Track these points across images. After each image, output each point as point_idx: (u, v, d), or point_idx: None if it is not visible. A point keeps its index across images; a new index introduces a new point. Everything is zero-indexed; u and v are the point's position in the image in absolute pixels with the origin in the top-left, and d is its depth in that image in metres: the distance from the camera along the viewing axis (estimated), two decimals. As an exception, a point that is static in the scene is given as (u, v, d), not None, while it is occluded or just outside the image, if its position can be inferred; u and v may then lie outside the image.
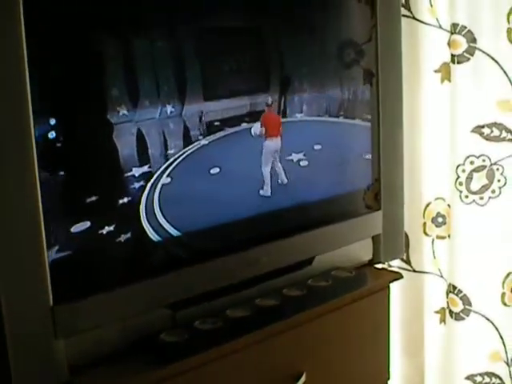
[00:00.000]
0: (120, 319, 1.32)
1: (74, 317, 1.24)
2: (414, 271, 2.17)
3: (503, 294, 2.14)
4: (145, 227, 1.34)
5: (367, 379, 1.73)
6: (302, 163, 1.61)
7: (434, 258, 2.16)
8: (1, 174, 1.12)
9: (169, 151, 1.37)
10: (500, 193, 2.08)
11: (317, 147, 1.65)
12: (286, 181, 1.57)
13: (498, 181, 2.07)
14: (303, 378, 1.52)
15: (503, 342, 2.18)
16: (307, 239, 1.63)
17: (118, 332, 1.32)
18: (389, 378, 1.79)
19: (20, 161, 1.14)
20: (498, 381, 2.21)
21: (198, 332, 1.37)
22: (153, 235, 1.36)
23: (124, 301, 1.31)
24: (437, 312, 2.20)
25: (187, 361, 1.32)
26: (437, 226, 2.14)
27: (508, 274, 2.13)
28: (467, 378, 2.19)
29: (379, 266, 1.84)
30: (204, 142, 1.42)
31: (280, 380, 1.50)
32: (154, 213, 1.36)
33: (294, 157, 1.60)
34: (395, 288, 1.93)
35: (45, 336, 1.21)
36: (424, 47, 2.03)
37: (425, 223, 2.14)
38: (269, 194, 1.54)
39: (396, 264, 2.14)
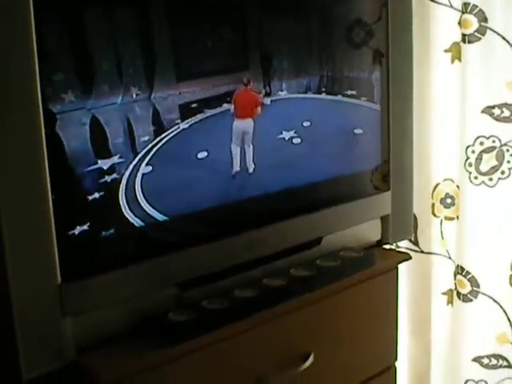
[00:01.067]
0: (127, 298, 1.31)
1: (81, 295, 1.23)
2: (422, 252, 2.17)
3: (511, 276, 2.14)
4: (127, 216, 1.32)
5: (375, 360, 1.73)
6: (300, 142, 1.60)
7: (443, 239, 2.15)
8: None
9: (142, 139, 1.30)
10: (509, 174, 2.07)
11: (321, 128, 1.64)
12: (252, 166, 1.51)
13: (508, 162, 2.06)
14: (311, 359, 1.52)
15: (510, 324, 2.18)
16: (315, 219, 1.62)
17: (125, 311, 1.32)
18: (396, 359, 1.78)
19: None
20: (504, 363, 2.21)
21: (205, 312, 1.36)
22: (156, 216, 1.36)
23: (132, 280, 1.31)
24: (444, 293, 2.20)
25: (195, 340, 1.31)
26: (445, 207, 2.13)
27: (516, 256, 2.13)
28: (474, 359, 2.19)
29: (387, 246, 1.83)
30: (184, 125, 1.35)
31: (288, 360, 1.50)
32: (138, 200, 1.33)
33: (288, 135, 1.58)
34: (403, 269, 1.92)
35: (52, 314, 1.20)
36: (434, 26, 2.01)
37: (433, 204, 2.13)
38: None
39: (404, 245, 2.14)
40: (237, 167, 1.47)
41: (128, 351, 1.28)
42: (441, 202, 2.12)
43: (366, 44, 1.73)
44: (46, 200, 1.17)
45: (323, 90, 1.63)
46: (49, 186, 1.16)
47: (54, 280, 1.20)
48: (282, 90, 1.54)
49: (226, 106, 1.43)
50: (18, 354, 1.17)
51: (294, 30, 1.57)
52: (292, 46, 1.56)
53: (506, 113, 2.01)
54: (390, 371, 1.77)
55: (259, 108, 1.50)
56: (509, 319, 2.17)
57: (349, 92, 1.69)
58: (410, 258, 1.76)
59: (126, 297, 1.31)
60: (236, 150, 1.47)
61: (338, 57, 1.68)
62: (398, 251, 1.90)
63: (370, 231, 1.78)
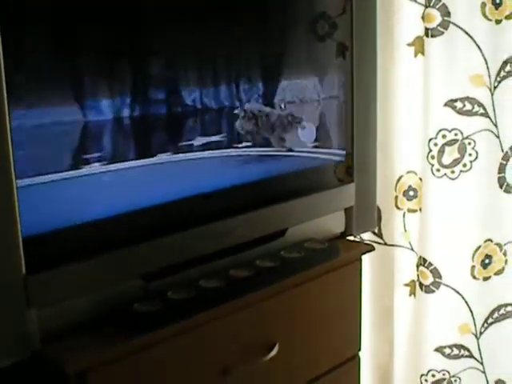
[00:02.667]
0: (93, 289, 1.31)
1: (46, 286, 1.23)
2: (386, 244, 2.18)
3: (473, 267, 2.17)
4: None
5: (339, 350, 1.74)
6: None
7: (405, 231, 2.17)
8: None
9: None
10: (471, 167, 2.10)
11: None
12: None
13: (470, 155, 2.08)
14: (276, 349, 1.53)
15: (472, 315, 2.21)
16: (279, 211, 1.63)
17: (90, 302, 1.32)
18: (360, 349, 1.80)
19: None
20: (466, 353, 2.24)
21: (171, 302, 1.37)
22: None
23: (96, 271, 1.31)
24: (406, 285, 2.22)
25: (161, 331, 1.32)
26: (408, 200, 2.15)
27: (478, 248, 2.15)
28: (436, 349, 2.22)
29: (351, 238, 1.85)
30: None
31: (253, 351, 1.51)
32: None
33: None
34: (366, 261, 1.94)
35: (17, 305, 1.20)
36: (398, 20, 2.02)
37: (396, 196, 2.15)
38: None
39: (367, 237, 2.16)
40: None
41: (93, 342, 1.28)
42: (404, 195, 2.14)
43: (330, 37, 1.74)
44: (11, 192, 1.16)
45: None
46: (13, 177, 1.16)
47: (18, 271, 1.19)
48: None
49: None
50: (-19, 344, 1.17)
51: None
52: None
53: (468, 106, 2.04)
54: (354, 361, 1.79)
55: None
56: (470, 310, 2.20)
57: (312, 85, 1.70)
58: (373, 249, 1.78)
59: (91, 288, 1.31)
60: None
61: (301, 49, 1.69)
62: (362, 242, 1.93)
63: (334, 223, 1.80)
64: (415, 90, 2.07)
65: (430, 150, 2.06)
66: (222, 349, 1.46)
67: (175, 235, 1.42)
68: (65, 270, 1.26)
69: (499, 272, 2.20)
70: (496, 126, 2.07)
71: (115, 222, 1.35)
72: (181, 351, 1.38)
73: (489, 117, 2.06)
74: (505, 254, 2.19)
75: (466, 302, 2.19)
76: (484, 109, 2.05)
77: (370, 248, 1.78)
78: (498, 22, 2.00)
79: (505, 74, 2.04)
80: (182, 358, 1.38)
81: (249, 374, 1.51)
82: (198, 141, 1.48)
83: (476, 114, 2.05)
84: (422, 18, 2.01)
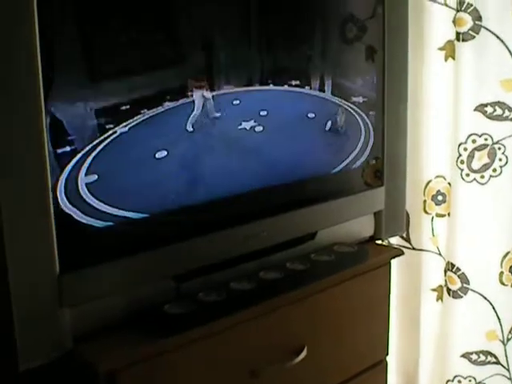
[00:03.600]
0: (125, 289, 1.32)
1: (79, 285, 1.24)
2: (413, 249, 2.17)
3: (501, 273, 2.15)
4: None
5: (367, 354, 1.74)
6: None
7: (433, 235, 2.16)
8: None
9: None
10: (501, 172, 2.08)
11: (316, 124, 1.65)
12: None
13: (500, 160, 2.07)
14: (304, 352, 1.53)
15: (499, 321, 2.19)
16: (310, 213, 1.63)
17: (122, 303, 1.32)
18: (387, 354, 1.80)
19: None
20: (493, 359, 2.22)
21: (202, 304, 1.37)
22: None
23: (129, 271, 1.31)
24: (434, 290, 2.21)
25: (191, 332, 1.32)
26: (437, 204, 2.13)
27: (506, 254, 2.13)
28: (463, 355, 2.20)
29: (379, 242, 1.84)
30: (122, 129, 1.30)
31: (281, 353, 1.51)
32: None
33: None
34: (393, 265, 1.93)
35: (50, 304, 1.21)
36: (429, 24, 2.01)
37: (425, 201, 2.14)
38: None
39: (395, 241, 2.15)
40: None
41: (124, 343, 1.28)
42: (432, 199, 2.13)
43: (359, 40, 1.74)
44: (46, 191, 1.17)
45: (315, 86, 1.63)
46: (49, 175, 1.17)
47: (52, 270, 1.20)
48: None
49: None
50: (15, 344, 1.18)
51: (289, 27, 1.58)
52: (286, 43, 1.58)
53: (499, 111, 2.02)
54: (381, 365, 1.79)
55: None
56: (498, 316, 2.18)
57: (341, 89, 1.70)
58: (402, 253, 1.77)
59: (123, 288, 1.31)
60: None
61: (332, 53, 1.69)
62: (391, 247, 1.92)
63: (363, 227, 1.79)
64: (445, 95, 2.06)
65: (460, 155, 2.04)
66: (250, 351, 1.46)
67: (207, 237, 1.42)
68: (97, 270, 1.27)
69: (528, 279, 2.18)
70: (526, 130, 2.06)
71: (148, 223, 1.35)
72: (210, 353, 1.38)
73: (519, 122, 2.05)
74: (534, 261, 2.17)
75: (494, 308, 2.17)
76: (514, 114, 2.04)
77: (399, 252, 1.78)
78: (530, 26, 1.99)
79: (536, 78, 2.03)
80: (212, 359, 1.39)
81: (276, 377, 1.51)
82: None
83: (506, 118, 2.03)
84: (453, 22, 1.99)
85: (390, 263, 1.74)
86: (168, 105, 1.35)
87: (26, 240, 1.16)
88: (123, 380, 1.25)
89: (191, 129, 1.40)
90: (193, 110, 1.40)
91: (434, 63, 2.04)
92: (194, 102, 1.40)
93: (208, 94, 1.42)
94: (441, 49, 2.03)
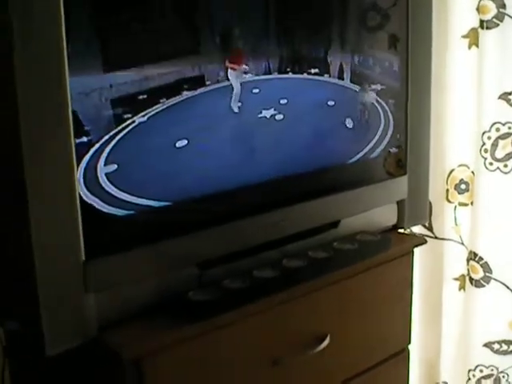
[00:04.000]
0: (149, 276, 1.33)
1: (104, 272, 1.25)
2: (436, 238, 2.17)
3: (524, 262, 2.14)
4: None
5: (389, 343, 1.74)
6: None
7: (456, 224, 2.16)
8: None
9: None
10: (525, 161, 2.07)
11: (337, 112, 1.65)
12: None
13: (524, 148, 2.06)
14: (327, 340, 1.53)
15: (522, 310, 2.19)
16: (332, 202, 1.63)
17: (146, 289, 1.33)
18: (410, 342, 1.79)
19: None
20: (515, 349, 2.22)
21: (226, 291, 1.37)
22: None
23: (153, 258, 1.32)
24: (456, 279, 2.20)
25: (215, 319, 1.33)
26: (459, 193, 2.13)
27: (530, 243, 2.13)
28: (485, 345, 2.20)
29: (402, 231, 1.84)
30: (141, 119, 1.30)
31: (305, 341, 1.51)
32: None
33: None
34: (415, 254, 1.92)
35: (75, 291, 1.22)
36: (453, 12, 2.00)
37: (448, 190, 2.13)
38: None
39: (418, 230, 2.14)
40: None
41: (149, 329, 1.29)
42: (455, 188, 2.12)
43: (382, 28, 1.73)
44: (72, 177, 1.18)
45: (336, 74, 1.63)
46: (75, 160, 1.18)
47: (78, 257, 1.21)
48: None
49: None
50: (41, 330, 1.19)
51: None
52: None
53: (523, 99, 2.01)
54: (403, 354, 1.79)
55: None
56: (520, 305, 2.17)
57: (362, 77, 1.69)
58: (425, 242, 1.77)
59: (147, 275, 1.32)
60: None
61: (354, 41, 1.68)
62: (414, 235, 1.91)
63: (386, 215, 1.79)
64: (469, 83, 2.04)
65: (484, 144, 2.03)
66: (274, 339, 1.46)
67: (230, 224, 1.43)
68: (122, 256, 1.27)
69: (551, 268, 2.17)
70: (551, 119, 2.04)
71: (171, 211, 1.36)
72: (233, 340, 1.39)
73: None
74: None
75: (516, 297, 2.17)
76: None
77: (421, 241, 1.77)
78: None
79: (560, 67, 2.01)
80: (235, 346, 1.39)
81: (299, 365, 1.51)
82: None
83: (530, 107, 2.02)
84: (477, 9, 1.98)
85: (412, 252, 1.74)
86: (186, 94, 1.35)
87: (52, 227, 1.17)
88: (148, 367, 1.26)
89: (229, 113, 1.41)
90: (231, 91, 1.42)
91: (458, 51, 2.03)
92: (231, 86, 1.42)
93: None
94: (464, 36, 2.01)
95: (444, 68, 2.04)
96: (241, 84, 1.43)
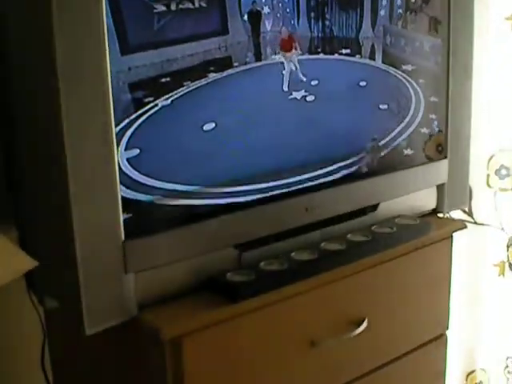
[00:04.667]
0: (187, 257, 1.33)
1: (143, 252, 1.26)
2: (476, 223, 2.15)
3: None
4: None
5: (427, 327, 1.73)
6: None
7: (496, 210, 2.13)
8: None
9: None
10: None
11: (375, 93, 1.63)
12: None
13: None
14: (365, 323, 1.53)
15: (562, 298, 2.16)
16: (372, 185, 1.62)
17: (185, 270, 1.33)
18: (448, 328, 1.78)
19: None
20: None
21: (263, 272, 1.38)
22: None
23: (191, 239, 1.32)
24: (496, 265, 2.18)
25: (254, 300, 1.33)
26: (500, 179, 2.10)
27: None
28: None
29: (441, 215, 1.82)
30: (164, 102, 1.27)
31: (342, 324, 1.51)
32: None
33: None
34: (455, 240, 1.91)
35: (115, 271, 1.23)
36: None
37: (488, 175, 2.11)
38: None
39: (457, 216, 2.12)
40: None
41: (187, 310, 1.29)
42: (496, 173, 2.10)
43: (422, 10, 1.70)
44: (112, 159, 1.18)
45: (375, 56, 1.62)
46: (115, 146, 1.18)
47: (117, 237, 1.22)
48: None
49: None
50: (80, 308, 1.20)
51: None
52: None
53: None
54: (441, 339, 1.77)
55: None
56: (561, 292, 2.15)
57: (404, 61, 1.67)
58: (465, 226, 1.75)
59: (185, 256, 1.32)
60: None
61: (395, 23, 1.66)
62: (454, 220, 1.89)
63: (426, 200, 1.77)
64: (510, 65, 2.01)
65: (525, 129, 2.01)
66: (311, 321, 1.46)
67: (268, 206, 1.43)
68: (161, 237, 1.28)
69: None
70: None
71: (211, 192, 1.36)
72: (272, 321, 1.39)
73: None
74: None
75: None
76: None
77: (461, 226, 1.75)
78: None
79: None
80: (272, 327, 1.39)
81: (337, 347, 1.51)
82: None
83: None
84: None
85: (452, 237, 1.72)
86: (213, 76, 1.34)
87: (92, 207, 1.18)
88: (187, 347, 1.26)
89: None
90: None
91: (501, 33, 2.00)
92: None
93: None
94: (508, 18, 1.98)
95: (486, 50, 2.01)
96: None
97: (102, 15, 1.13)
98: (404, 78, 1.67)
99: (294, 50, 1.44)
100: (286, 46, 1.43)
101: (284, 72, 1.43)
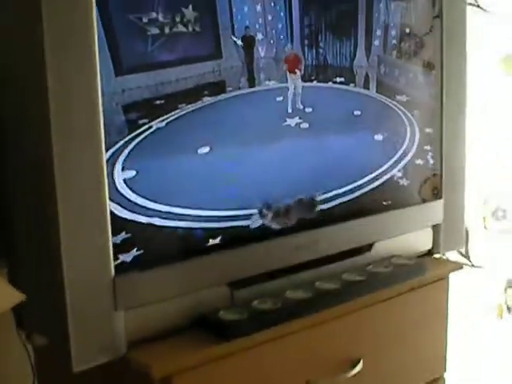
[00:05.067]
0: (179, 295, 1.31)
1: (134, 289, 1.24)
2: (473, 266, 2.13)
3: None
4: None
5: (424, 370, 1.70)
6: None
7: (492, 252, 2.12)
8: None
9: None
10: None
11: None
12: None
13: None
14: (360, 364, 1.50)
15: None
16: (367, 225, 1.61)
17: (176, 308, 1.31)
18: (445, 370, 1.75)
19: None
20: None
21: (256, 311, 1.35)
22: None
23: (183, 276, 1.31)
24: (492, 308, 2.16)
25: (246, 339, 1.31)
26: (497, 220, 2.09)
27: None
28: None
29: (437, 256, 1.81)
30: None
31: (337, 365, 1.48)
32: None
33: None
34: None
35: (105, 307, 1.20)
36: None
37: (484, 217, 2.10)
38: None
39: (453, 257, 2.11)
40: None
41: (178, 348, 1.27)
42: (492, 215, 2.09)
43: (416, 55, 1.71)
44: (102, 194, 1.17)
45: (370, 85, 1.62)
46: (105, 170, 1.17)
47: (108, 273, 1.20)
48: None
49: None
50: (69, 346, 1.17)
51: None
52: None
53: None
54: (439, 382, 1.74)
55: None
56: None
57: (399, 105, 1.67)
58: (461, 267, 1.74)
59: (177, 293, 1.30)
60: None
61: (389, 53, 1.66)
62: (450, 261, 1.87)
63: (421, 240, 1.76)
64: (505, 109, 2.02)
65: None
66: (306, 361, 1.43)
67: (261, 244, 1.41)
68: (152, 274, 1.26)
69: None
70: None
71: (199, 230, 1.34)
72: (264, 361, 1.36)
73: None
74: None
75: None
76: None
77: (457, 266, 1.74)
78: None
79: None
80: (266, 367, 1.37)
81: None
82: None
83: None
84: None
85: (448, 277, 1.71)
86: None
87: (81, 242, 1.16)
88: (179, 384, 1.24)
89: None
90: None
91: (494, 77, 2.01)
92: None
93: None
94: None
95: (481, 93, 2.02)
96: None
97: (94, 38, 1.13)
98: (398, 108, 1.67)
99: (298, 72, 1.44)
100: (293, 66, 1.43)
101: (289, 94, 1.43)
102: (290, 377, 1.41)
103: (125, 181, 1.23)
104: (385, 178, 1.66)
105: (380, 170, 1.65)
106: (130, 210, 1.24)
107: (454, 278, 1.79)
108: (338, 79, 1.55)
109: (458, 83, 1.78)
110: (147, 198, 1.26)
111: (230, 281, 1.38)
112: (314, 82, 1.51)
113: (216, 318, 1.32)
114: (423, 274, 1.64)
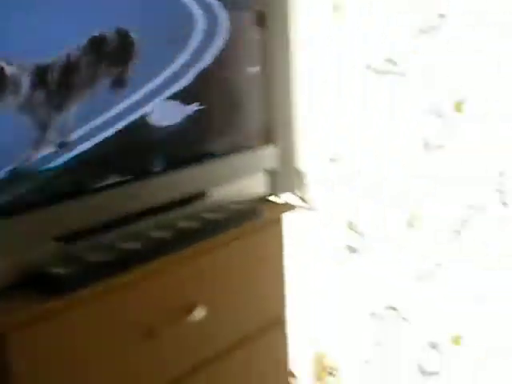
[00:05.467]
0: (6, 251, 1.29)
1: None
2: (310, 209, 2.20)
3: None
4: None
5: (265, 311, 1.76)
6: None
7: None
8: None
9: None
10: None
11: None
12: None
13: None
14: (199, 310, 1.53)
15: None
16: (199, 172, 1.64)
17: (5, 265, 1.29)
18: (285, 311, 1.81)
19: None
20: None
21: (89, 264, 1.35)
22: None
23: (9, 232, 1.28)
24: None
25: (79, 292, 1.31)
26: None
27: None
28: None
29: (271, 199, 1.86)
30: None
31: (180, 312, 1.51)
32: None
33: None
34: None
35: None
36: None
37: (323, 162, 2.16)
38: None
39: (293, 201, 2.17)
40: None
41: (11, 305, 1.25)
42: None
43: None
44: None
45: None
46: None
47: None
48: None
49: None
50: None
51: None
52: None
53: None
54: (280, 322, 1.81)
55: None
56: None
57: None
58: (293, 208, 1.79)
59: (4, 249, 1.28)
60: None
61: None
62: (283, 203, 1.92)
63: (255, 185, 1.81)
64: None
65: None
66: (144, 311, 1.45)
67: (90, 197, 1.41)
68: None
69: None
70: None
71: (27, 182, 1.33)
72: (102, 313, 1.36)
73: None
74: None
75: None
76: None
77: (290, 207, 1.79)
78: None
79: None
80: (104, 319, 1.37)
81: (175, 336, 1.51)
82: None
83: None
84: None
85: (281, 219, 1.76)
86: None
87: None
88: (13, 343, 1.22)
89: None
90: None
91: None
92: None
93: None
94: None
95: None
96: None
97: None
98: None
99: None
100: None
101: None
102: (130, 327, 1.42)
103: None
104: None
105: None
106: None
107: (294, 221, 1.85)
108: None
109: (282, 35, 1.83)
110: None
111: (59, 235, 1.36)
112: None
113: (47, 273, 1.31)
114: (257, 217, 1.68)
